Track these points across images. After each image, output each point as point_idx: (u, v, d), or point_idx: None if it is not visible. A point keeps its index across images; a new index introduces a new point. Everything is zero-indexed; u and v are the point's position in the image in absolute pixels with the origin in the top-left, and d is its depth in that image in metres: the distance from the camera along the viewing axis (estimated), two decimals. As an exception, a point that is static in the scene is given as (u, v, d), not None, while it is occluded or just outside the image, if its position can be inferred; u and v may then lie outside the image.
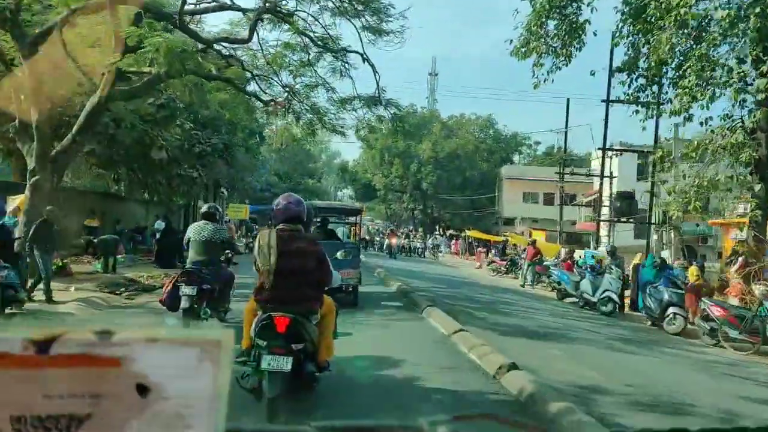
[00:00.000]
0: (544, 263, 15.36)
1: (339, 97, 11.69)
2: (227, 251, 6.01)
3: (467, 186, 37.25)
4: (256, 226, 22.36)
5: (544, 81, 9.29)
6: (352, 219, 13.37)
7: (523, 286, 15.03)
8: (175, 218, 20.91)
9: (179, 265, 11.78)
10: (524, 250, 22.43)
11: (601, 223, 21.35)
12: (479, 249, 25.82)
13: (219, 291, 5.76)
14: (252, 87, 11.74)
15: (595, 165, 33.50)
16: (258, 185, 32.13)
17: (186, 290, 5.40)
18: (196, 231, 5.76)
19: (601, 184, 18.59)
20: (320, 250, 3.30)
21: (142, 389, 0.38)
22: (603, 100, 16.24)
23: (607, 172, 18.96)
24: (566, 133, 24.71)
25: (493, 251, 24.44)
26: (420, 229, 39.77)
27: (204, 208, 6.14)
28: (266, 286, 3.13)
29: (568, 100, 30.39)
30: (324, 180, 53.77)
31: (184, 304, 5.40)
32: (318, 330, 3.29)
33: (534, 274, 15.00)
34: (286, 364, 3.02)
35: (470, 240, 30.48)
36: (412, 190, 38.74)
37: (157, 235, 14.40)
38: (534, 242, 16.52)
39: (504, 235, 27.50)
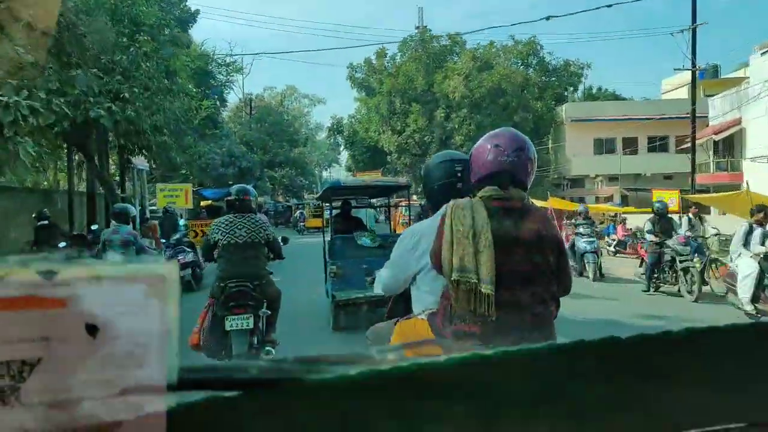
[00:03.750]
0: None
1: None
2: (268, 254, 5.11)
3: (518, 134, 33.50)
4: (183, 220, 16.85)
5: None
6: (386, 200, 11.82)
7: None
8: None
9: None
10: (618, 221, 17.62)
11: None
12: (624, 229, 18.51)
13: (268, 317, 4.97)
14: None
15: (678, 95, 31.15)
16: (217, 157, 28.36)
17: (237, 322, 4.58)
18: (225, 229, 4.86)
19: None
20: (558, 234, 2.39)
21: (91, 329, 0.49)
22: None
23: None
24: (694, 30, 18.76)
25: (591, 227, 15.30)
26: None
27: (233, 193, 5.21)
28: (481, 310, 2.13)
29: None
30: (307, 155, 52.61)
31: (238, 346, 4.55)
32: None
33: None
34: None
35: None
36: (438, 146, 33.08)
37: None
38: None
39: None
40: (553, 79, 35.37)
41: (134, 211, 9.05)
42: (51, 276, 0.46)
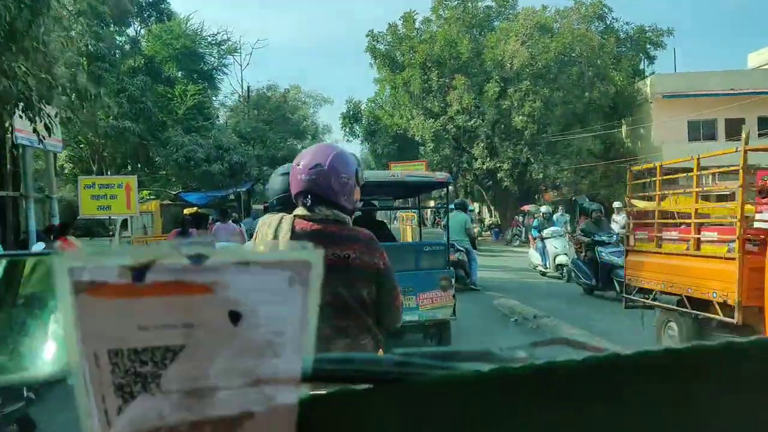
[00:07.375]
0: None
1: None
2: None
3: (593, 115, 31.14)
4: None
5: None
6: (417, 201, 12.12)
7: None
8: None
9: None
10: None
11: None
12: None
13: None
14: None
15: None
16: (199, 151, 27.11)
17: None
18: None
19: None
20: (384, 260, 2.60)
21: (235, 316, 0.61)
22: None
23: None
24: None
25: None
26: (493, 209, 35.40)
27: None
28: None
29: None
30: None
31: None
32: None
33: None
34: None
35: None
36: (488, 132, 31.28)
37: None
38: None
39: None
40: (624, 48, 34.00)
41: None
42: (200, 261, 0.58)
